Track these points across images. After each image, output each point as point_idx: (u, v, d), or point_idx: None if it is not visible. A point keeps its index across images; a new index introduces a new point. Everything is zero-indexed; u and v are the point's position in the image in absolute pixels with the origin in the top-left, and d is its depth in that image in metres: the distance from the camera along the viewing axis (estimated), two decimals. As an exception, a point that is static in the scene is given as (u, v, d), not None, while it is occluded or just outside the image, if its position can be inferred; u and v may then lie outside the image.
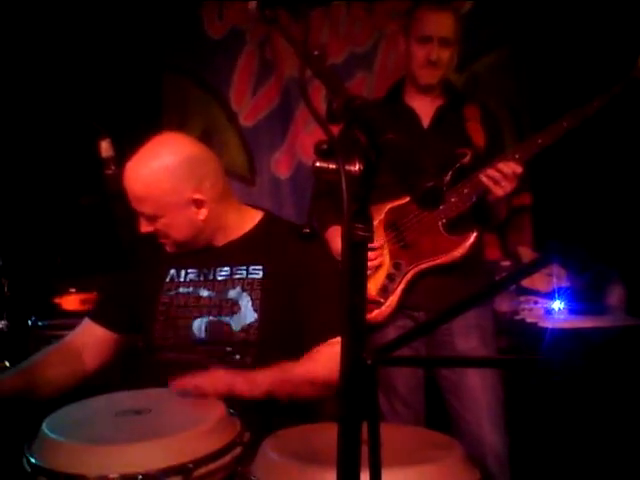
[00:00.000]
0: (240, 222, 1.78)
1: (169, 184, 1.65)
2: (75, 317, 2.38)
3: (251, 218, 1.81)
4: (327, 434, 1.17)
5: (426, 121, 2.31)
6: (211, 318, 1.70)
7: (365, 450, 0.94)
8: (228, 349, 1.69)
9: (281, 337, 1.68)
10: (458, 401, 2.24)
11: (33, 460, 1.26)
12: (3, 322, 2.69)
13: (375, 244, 2.22)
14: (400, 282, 2.23)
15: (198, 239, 1.75)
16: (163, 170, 1.65)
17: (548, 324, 2.62)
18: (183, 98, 3.57)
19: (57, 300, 2.96)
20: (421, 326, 1.53)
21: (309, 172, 3.32)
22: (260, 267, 1.73)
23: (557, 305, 2.71)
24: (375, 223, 2.26)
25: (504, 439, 2.20)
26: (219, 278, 1.75)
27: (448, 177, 2.21)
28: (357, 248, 0.89)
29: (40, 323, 2.85)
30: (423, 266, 2.23)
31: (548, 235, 2.97)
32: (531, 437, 2.48)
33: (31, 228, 3.11)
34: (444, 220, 2.22)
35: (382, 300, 2.22)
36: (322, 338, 1.64)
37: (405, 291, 2.24)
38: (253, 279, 1.72)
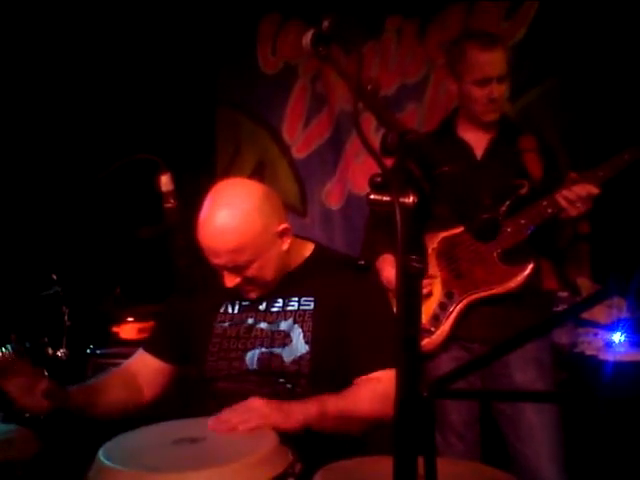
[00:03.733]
0: (294, 254, 1.79)
1: (260, 224, 1.65)
2: (132, 346, 2.43)
3: (303, 250, 1.82)
4: (381, 468, 1.16)
5: (479, 153, 2.30)
6: (263, 350, 1.71)
7: (420, 485, 0.92)
8: (280, 380, 1.70)
9: (332, 368, 1.67)
10: (516, 436, 2.18)
11: (91, 487, 1.28)
12: (62, 350, 2.77)
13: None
14: (452, 311, 2.21)
15: (279, 274, 1.75)
16: (250, 213, 1.65)
17: (608, 357, 2.53)
18: (237, 131, 3.65)
19: (115, 329, 3.03)
20: (478, 359, 1.50)
21: (360, 202, 3.34)
22: (311, 299, 1.74)
23: (618, 337, 2.63)
24: (428, 251, 2.26)
25: (564, 477, 2.13)
26: (272, 310, 1.76)
27: (505, 208, 2.19)
28: (412, 280, 0.89)
29: (98, 351, 2.91)
30: (476, 296, 2.20)
31: (607, 265, 2.89)
32: (590, 475, 2.39)
33: (91, 259, 3.20)
34: (499, 250, 2.20)
35: (433, 329, 2.20)
36: (369, 369, 1.65)
37: (457, 320, 2.21)
38: (305, 311, 1.72)
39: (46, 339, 2.78)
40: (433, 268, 2.25)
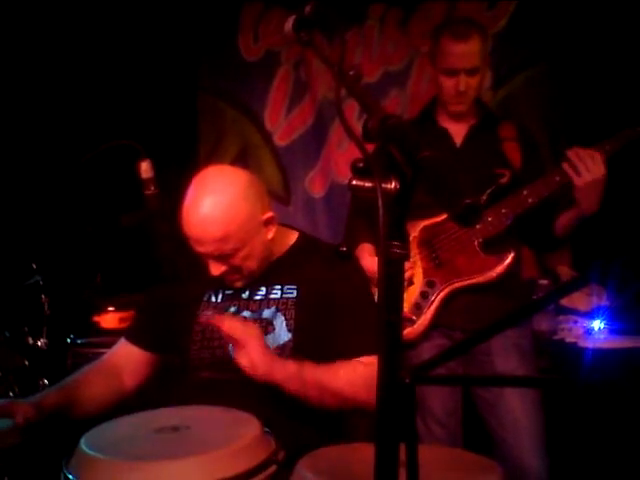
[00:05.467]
0: (278, 242, 1.78)
1: (245, 212, 1.64)
2: (113, 335, 2.41)
3: (287, 239, 1.82)
4: (363, 455, 1.16)
5: (459, 140, 2.29)
6: None
7: (402, 472, 0.92)
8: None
9: (315, 356, 1.66)
10: (498, 423, 2.20)
11: (71, 477, 1.27)
12: (42, 340, 2.74)
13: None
14: (433, 300, 2.21)
15: (264, 263, 1.75)
16: (235, 202, 1.64)
17: (588, 344, 2.56)
18: (219, 118, 3.62)
19: (96, 318, 3.00)
20: (459, 345, 1.51)
21: (343, 190, 3.34)
22: (294, 287, 1.74)
23: (597, 324, 2.65)
24: (409, 239, 2.25)
25: (545, 462, 2.15)
26: (255, 298, 1.75)
27: (485, 197, 2.18)
28: (394, 266, 0.89)
29: (79, 341, 2.89)
30: (457, 285, 2.21)
31: (586, 253, 2.91)
32: (571, 460, 2.42)
33: (71, 247, 3.17)
34: (480, 239, 2.20)
35: (414, 318, 2.21)
36: (354, 354, 1.64)
37: (439, 309, 2.21)
38: (287, 299, 1.72)
39: (26, 328, 2.75)
40: (414, 257, 2.25)
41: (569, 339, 2.67)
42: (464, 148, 2.28)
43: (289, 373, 1.57)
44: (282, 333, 1.69)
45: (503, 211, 2.18)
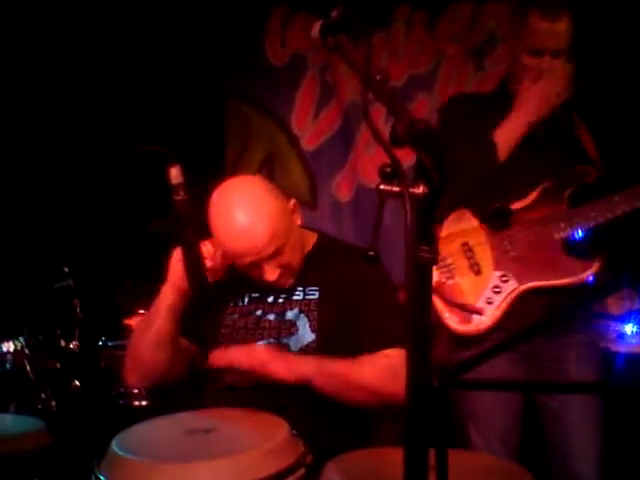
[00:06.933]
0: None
1: (275, 206, 1.67)
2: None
3: (307, 240, 1.83)
4: (391, 459, 1.16)
5: (540, 130, 2.07)
6: (271, 340, 1.72)
7: (432, 476, 0.92)
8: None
9: (339, 356, 1.66)
10: (561, 432, 2.03)
11: (103, 478, 1.28)
12: (75, 343, 2.79)
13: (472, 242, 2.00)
14: (506, 297, 2.02)
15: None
16: (263, 201, 1.66)
17: (621, 348, 2.52)
18: (245, 124, 3.65)
19: (126, 321, 3.04)
20: (494, 347, 1.47)
21: (370, 194, 3.33)
22: (316, 288, 1.75)
23: (630, 329, 2.61)
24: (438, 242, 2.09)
25: (600, 471, 2.01)
26: (279, 301, 1.77)
27: (567, 194, 2.02)
28: (422, 270, 0.89)
29: (110, 344, 2.93)
30: (536, 284, 2.01)
31: (620, 257, 2.87)
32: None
33: (102, 252, 3.21)
34: (564, 240, 2.01)
35: (485, 311, 2.02)
36: (375, 348, 1.64)
37: (510, 307, 2.01)
38: (310, 300, 1.74)
39: (58, 331, 2.80)
40: (484, 244, 2.02)
41: (601, 343, 2.63)
42: (545, 139, 2.08)
43: (313, 367, 1.59)
44: (306, 334, 1.70)
45: (592, 214, 2.01)
